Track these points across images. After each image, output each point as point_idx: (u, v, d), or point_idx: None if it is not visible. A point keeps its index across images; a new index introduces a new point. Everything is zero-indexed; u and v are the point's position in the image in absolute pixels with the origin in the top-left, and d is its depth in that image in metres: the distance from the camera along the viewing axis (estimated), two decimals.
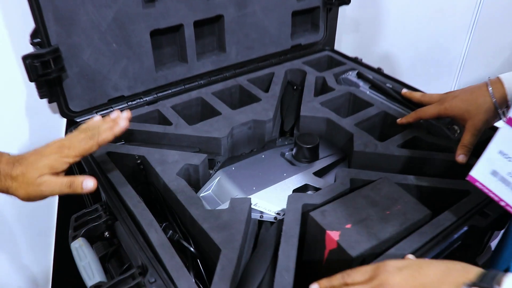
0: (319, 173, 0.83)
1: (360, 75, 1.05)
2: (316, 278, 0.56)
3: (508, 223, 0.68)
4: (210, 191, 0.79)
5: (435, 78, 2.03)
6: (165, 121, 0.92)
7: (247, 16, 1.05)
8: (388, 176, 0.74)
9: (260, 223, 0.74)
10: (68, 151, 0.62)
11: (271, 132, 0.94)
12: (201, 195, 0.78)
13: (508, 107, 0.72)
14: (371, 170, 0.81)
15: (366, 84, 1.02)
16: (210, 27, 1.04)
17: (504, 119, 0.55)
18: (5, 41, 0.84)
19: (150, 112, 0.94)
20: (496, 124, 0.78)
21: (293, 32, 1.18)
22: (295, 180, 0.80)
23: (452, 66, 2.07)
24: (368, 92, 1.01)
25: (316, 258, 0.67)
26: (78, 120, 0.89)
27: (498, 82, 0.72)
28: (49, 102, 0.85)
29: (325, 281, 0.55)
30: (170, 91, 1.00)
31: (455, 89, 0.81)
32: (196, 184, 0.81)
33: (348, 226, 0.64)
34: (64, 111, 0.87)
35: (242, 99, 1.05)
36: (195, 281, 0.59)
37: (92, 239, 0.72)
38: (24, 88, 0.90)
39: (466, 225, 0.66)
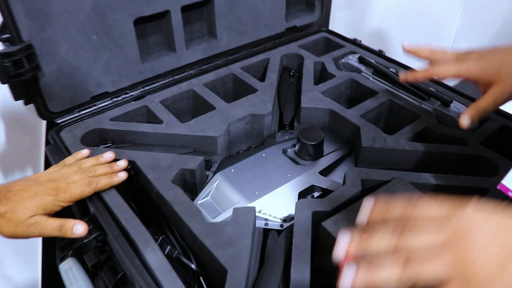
0: (325, 171, 0.78)
1: (361, 60, 0.98)
2: None
3: None
4: (209, 197, 0.73)
5: None
6: (154, 119, 0.84)
7: None
8: (401, 175, 0.69)
9: (265, 229, 0.69)
10: (64, 195, 0.61)
11: (270, 126, 0.87)
12: (199, 202, 0.72)
13: None
14: (380, 165, 0.77)
15: (368, 69, 0.96)
16: (198, 12, 0.96)
17: None
18: None
19: (138, 108, 0.86)
20: None
21: (287, 13, 1.10)
22: (301, 181, 0.74)
23: (446, 40, 2.03)
24: (371, 78, 0.94)
25: (329, 270, 0.62)
26: (58, 122, 0.81)
27: None
28: (25, 103, 0.76)
29: (380, 204, 0.43)
30: (158, 83, 0.92)
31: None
32: (193, 189, 0.75)
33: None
34: (43, 112, 0.79)
35: (237, 89, 0.98)
36: None
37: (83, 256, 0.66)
38: None
39: None
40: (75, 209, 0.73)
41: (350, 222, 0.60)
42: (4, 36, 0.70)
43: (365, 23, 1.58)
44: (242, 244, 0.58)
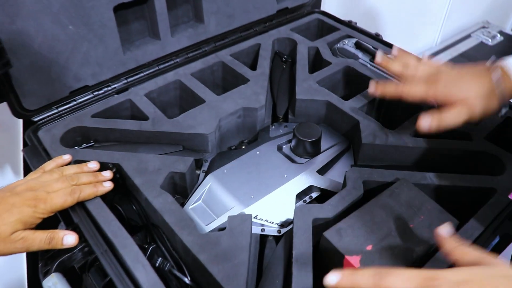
0: (323, 168, 0.74)
1: (358, 45, 0.92)
2: None
3: None
4: (200, 201, 0.68)
5: (419, 31, 1.95)
6: (139, 114, 0.78)
7: None
8: (404, 175, 0.65)
9: (262, 235, 0.65)
10: (45, 206, 0.56)
11: (263, 119, 0.82)
12: (190, 207, 0.67)
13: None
14: (381, 162, 0.73)
15: (366, 56, 0.90)
16: None
17: None
18: None
19: (121, 103, 0.80)
20: None
21: None
22: (298, 182, 0.70)
23: (436, 17, 1.99)
24: (369, 66, 0.89)
25: None
26: (36, 120, 0.75)
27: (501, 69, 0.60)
28: None
29: (348, 274, 0.41)
30: (142, 74, 0.86)
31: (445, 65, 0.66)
32: (183, 192, 0.70)
33: (369, 247, 0.55)
34: (17, 110, 0.73)
35: (226, 78, 0.92)
36: None
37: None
38: None
39: (497, 234, 0.58)
40: (59, 216, 0.68)
41: (353, 231, 0.56)
42: None
43: (358, 1, 1.51)
44: (239, 258, 0.54)
